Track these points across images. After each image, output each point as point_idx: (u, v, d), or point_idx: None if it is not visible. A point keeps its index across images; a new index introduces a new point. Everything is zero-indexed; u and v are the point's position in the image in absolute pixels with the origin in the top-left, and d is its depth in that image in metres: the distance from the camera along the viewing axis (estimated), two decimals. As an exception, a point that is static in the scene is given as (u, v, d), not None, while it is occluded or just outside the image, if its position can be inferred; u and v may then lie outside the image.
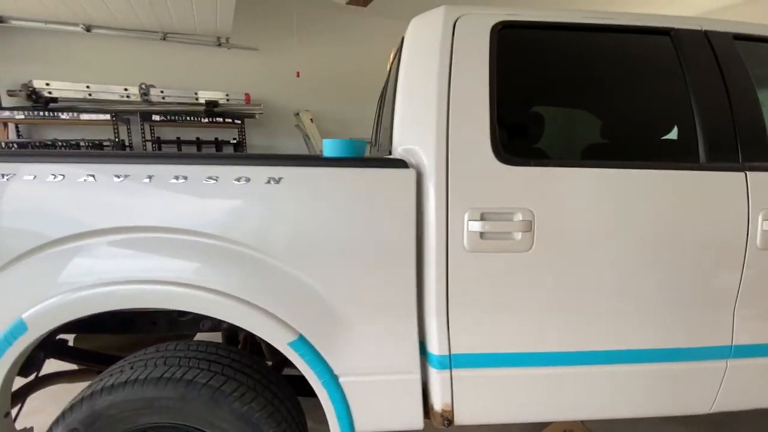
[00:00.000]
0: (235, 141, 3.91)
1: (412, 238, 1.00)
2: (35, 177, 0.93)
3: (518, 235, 1.02)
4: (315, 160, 1.03)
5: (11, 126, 3.37)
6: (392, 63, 1.61)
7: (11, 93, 3.26)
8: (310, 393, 1.09)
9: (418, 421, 1.11)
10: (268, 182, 0.96)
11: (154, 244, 0.96)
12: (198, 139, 3.84)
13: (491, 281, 1.04)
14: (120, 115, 3.36)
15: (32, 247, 0.92)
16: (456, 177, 1.01)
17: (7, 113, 3.08)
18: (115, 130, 3.38)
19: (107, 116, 3.31)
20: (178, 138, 3.84)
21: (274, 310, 0.98)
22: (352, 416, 1.07)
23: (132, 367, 1.02)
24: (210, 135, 3.92)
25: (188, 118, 3.53)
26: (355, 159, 1.05)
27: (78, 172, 0.94)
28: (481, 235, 1.01)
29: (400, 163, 1.01)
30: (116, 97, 3.49)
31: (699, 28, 1.20)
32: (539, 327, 1.07)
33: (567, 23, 1.15)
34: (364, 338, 1.04)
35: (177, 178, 0.95)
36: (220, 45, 3.93)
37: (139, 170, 0.95)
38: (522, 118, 1.37)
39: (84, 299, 0.93)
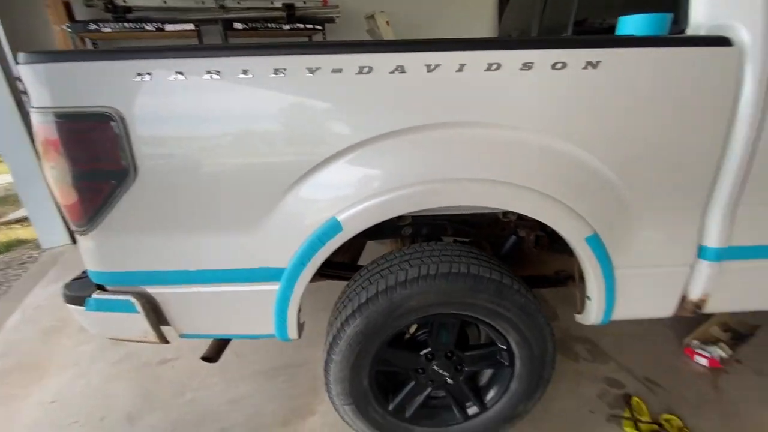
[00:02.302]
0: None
1: (723, 127, 0.94)
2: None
3: (834, 123, 0.95)
4: (634, 40, 0.93)
5: (87, 41, 3.19)
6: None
7: (88, 4, 3.03)
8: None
9: (671, 310, 1.17)
10: (586, 67, 0.88)
11: (473, 140, 0.93)
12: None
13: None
14: (202, 23, 3.11)
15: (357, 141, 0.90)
16: (779, 57, 0.90)
17: (93, 26, 2.89)
18: (200, 41, 3.16)
19: (191, 26, 3.07)
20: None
21: (575, 206, 0.98)
22: (614, 305, 1.12)
23: (410, 265, 1.07)
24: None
25: (270, 25, 3.26)
26: (677, 37, 0.94)
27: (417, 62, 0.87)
28: (798, 119, 0.94)
29: (725, 41, 0.90)
30: (191, 4, 3.21)
31: None
32: None
33: None
34: (648, 233, 1.05)
35: (523, 65, 0.87)
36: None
37: (478, 58, 0.87)
38: None
39: (401, 199, 0.94)
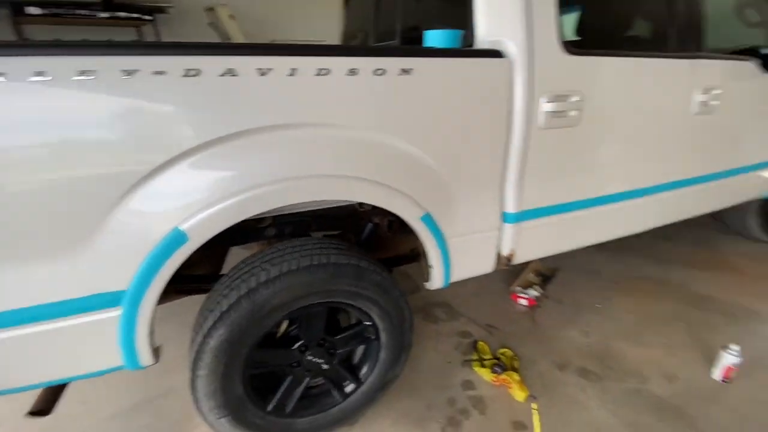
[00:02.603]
0: (135, 44, 3.17)
1: (504, 120, 1.22)
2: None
3: (572, 113, 1.33)
4: (439, 51, 1.12)
5: None
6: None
7: None
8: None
9: (492, 266, 1.47)
10: (401, 74, 1.04)
11: (310, 139, 0.99)
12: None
13: (552, 151, 1.36)
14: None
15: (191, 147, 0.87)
16: (538, 66, 1.22)
17: None
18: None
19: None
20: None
21: (408, 191, 1.14)
22: (451, 269, 1.36)
23: (272, 264, 1.10)
24: (102, 36, 3.09)
25: (80, 12, 2.68)
26: (468, 50, 1.17)
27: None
28: (551, 114, 1.29)
29: (498, 54, 1.17)
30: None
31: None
32: (583, 181, 1.47)
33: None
34: (466, 207, 1.29)
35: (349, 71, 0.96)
36: None
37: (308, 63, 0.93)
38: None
39: (252, 199, 0.95)
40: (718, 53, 1.70)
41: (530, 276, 2.32)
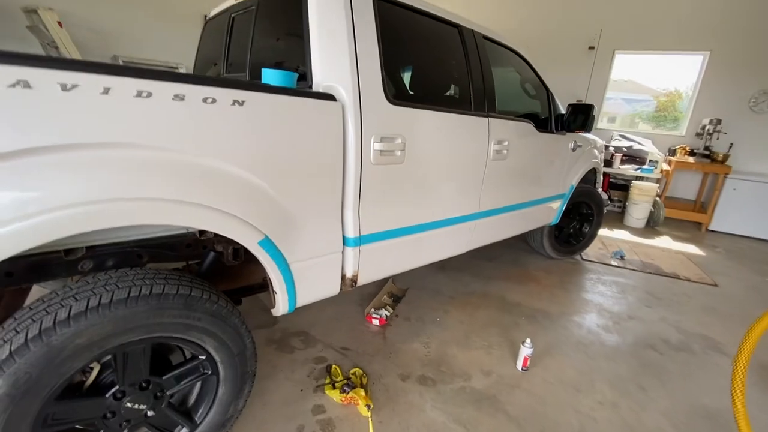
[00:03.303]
0: None
1: (340, 155, 1.38)
2: None
3: (398, 153, 1.57)
4: (272, 88, 1.20)
5: None
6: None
7: None
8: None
9: (337, 288, 1.57)
10: (233, 104, 1.09)
11: (140, 162, 0.94)
12: None
13: (383, 183, 1.57)
14: None
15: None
16: (366, 111, 1.43)
17: None
18: None
19: None
20: None
21: (244, 216, 1.17)
22: (296, 294, 1.41)
23: (76, 299, 0.97)
24: None
25: None
26: (302, 90, 1.28)
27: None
28: (380, 152, 1.50)
29: (332, 97, 1.33)
30: None
31: (470, 27, 2.00)
32: (410, 210, 1.71)
33: (412, 6, 1.69)
34: (309, 233, 1.37)
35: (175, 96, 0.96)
36: None
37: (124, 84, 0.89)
38: (398, 71, 1.87)
39: (64, 219, 0.84)
40: (508, 115, 2.25)
41: (384, 297, 2.52)
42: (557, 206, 3.00)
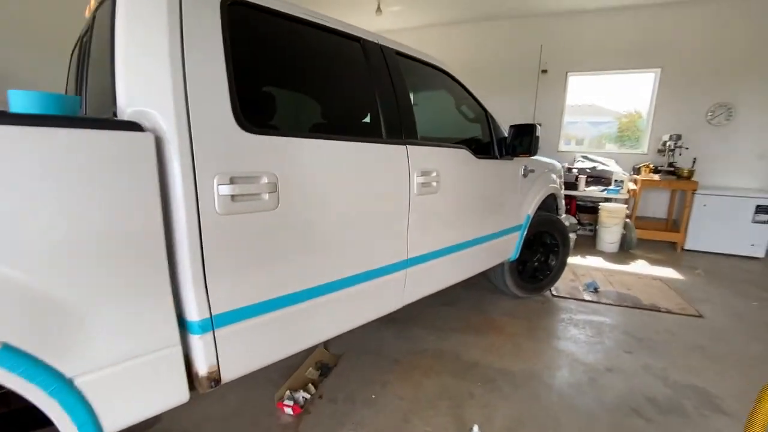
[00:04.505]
0: None
1: (157, 206, 0.96)
2: None
3: (266, 196, 1.16)
4: (19, 118, 0.78)
5: None
6: (95, 10, 1.34)
7: None
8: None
9: (184, 394, 1.10)
10: None
11: None
12: None
13: (244, 239, 1.15)
14: None
15: None
16: (201, 143, 1.03)
17: None
18: None
19: None
20: None
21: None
22: (98, 419, 0.93)
23: None
24: None
25: None
26: (78, 118, 0.87)
27: None
28: (233, 198, 1.09)
29: (136, 126, 0.92)
30: None
31: (376, 41, 1.67)
32: (288, 272, 1.28)
33: (288, 14, 1.35)
34: (109, 325, 0.92)
35: None
36: None
37: None
38: (258, 92, 1.49)
39: None
40: (437, 141, 1.91)
41: (309, 371, 2.03)
42: (513, 240, 2.63)
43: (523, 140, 2.26)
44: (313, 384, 1.93)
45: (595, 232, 4.97)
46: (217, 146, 1.06)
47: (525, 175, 2.59)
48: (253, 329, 1.21)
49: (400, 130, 1.67)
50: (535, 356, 2.28)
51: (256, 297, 1.20)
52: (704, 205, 4.62)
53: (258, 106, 1.34)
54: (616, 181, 4.96)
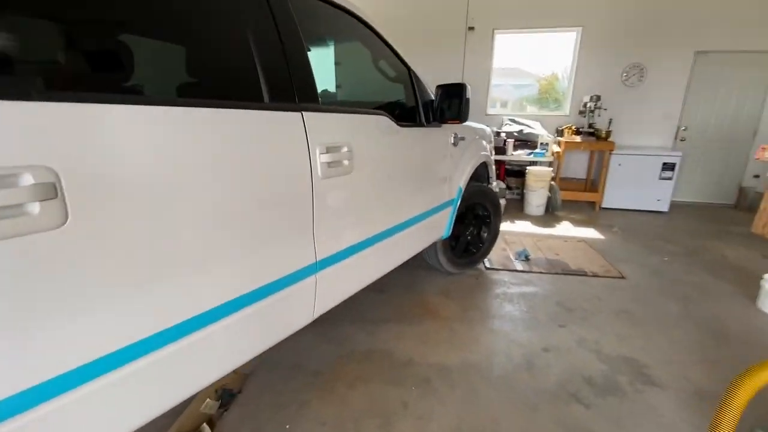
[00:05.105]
0: None
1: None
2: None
3: (37, 207, 0.69)
4: None
5: None
6: None
7: None
8: None
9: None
10: None
11: None
12: None
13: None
14: None
15: None
16: None
17: None
18: None
19: None
20: None
21: None
22: None
23: None
24: None
25: None
26: None
27: None
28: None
29: None
30: None
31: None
32: (136, 305, 0.83)
33: None
34: None
35: None
36: None
37: None
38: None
39: None
40: (349, 107, 1.50)
41: (205, 403, 1.62)
42: (445, 217, 2.38)
43: (451, 103, 1.94)
44: (210, 422, 1.53)
45: (522, 195, 5.01)
46: None
47: (455, 144, 2.30)
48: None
49: (291, 90, 1.23)
50: (471, 342, 2.10)
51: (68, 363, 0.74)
52: (619, 165, 4.83)
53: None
54: (541, 144, 4.97)
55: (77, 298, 0.77)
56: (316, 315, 1.46)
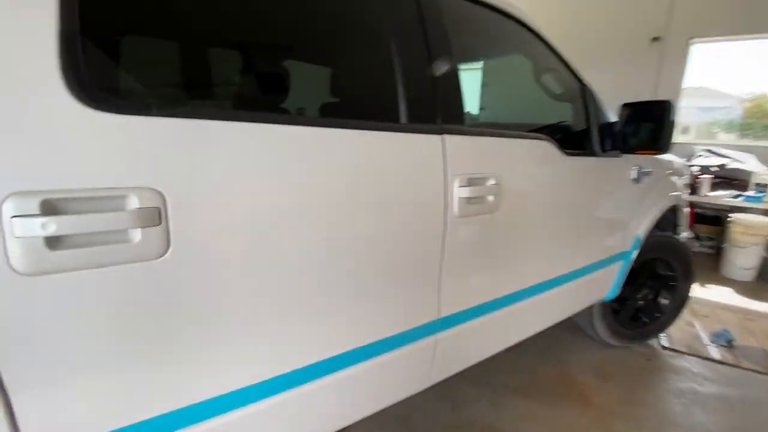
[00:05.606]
0: None
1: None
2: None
3: (138, 235, 0.60)
4: None
5: None
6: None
7: None
8: None
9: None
10: None
11: None
12: None
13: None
14: None
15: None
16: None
17: None
18: None
19: None
20: None
21: None
22: None
23: None
24: None
25: None
26: None
27: None
28: (48, 240, 0.54)
29: None
30: None
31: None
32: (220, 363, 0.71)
33: None
34: None
35: None
36: None
37: None
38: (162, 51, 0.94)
39: None
40: (498, 129, 1.20)
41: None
42: (613, 273, 1.82)
43: (643, 127, 1.44)
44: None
45: (718, 251, 3.76)
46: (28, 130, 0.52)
47: (638, 180, 1.74)
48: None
49: (433, 110, 1.00)
50: (641, 460, 1.50)
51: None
52: None
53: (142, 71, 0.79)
54: (757, 185, 3.67)
55: (164, 341, 0.67)
56: (433, 382, 1.18)
